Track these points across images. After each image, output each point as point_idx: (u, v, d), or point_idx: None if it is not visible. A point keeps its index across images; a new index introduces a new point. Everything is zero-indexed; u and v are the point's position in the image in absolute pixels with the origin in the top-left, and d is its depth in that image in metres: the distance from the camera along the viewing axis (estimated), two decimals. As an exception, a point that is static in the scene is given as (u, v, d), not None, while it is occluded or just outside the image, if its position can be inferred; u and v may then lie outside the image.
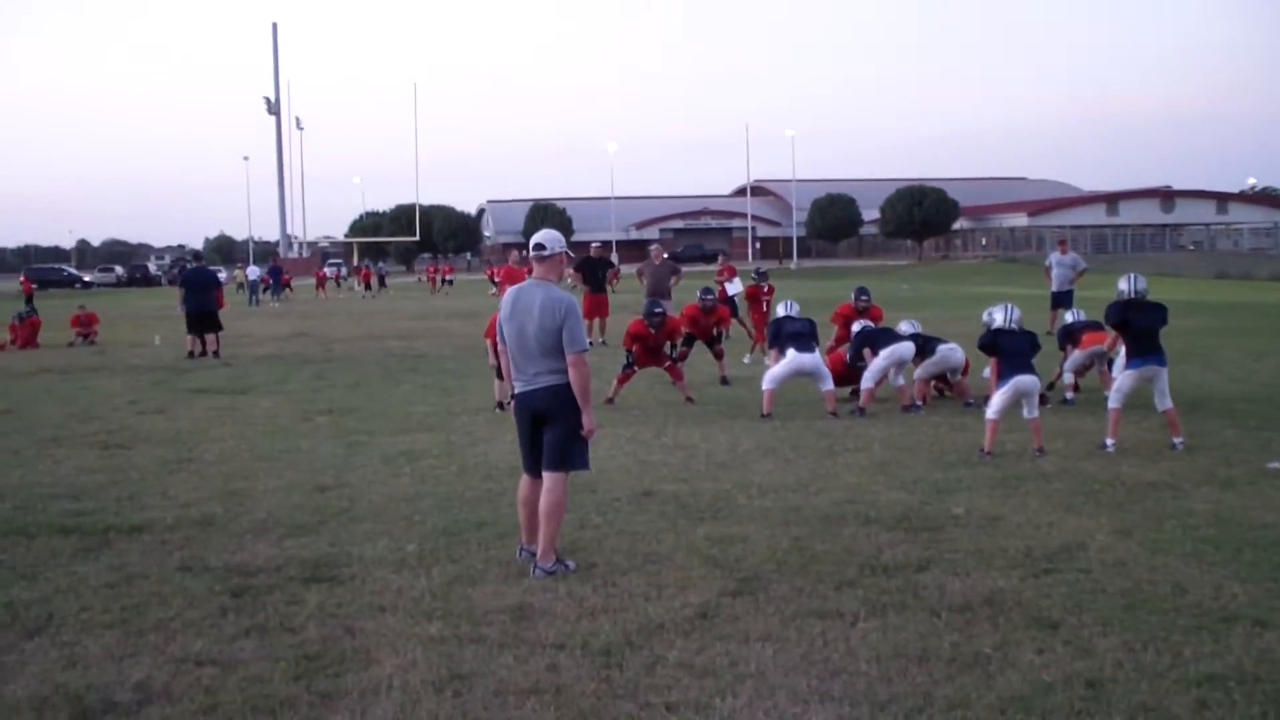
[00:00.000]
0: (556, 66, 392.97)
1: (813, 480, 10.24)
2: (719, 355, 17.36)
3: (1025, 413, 11.36)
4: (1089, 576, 7.21)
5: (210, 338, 23.89)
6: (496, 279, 44.17)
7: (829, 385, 14.07)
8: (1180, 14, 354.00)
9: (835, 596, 6.89)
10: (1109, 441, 11.36)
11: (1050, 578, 7.19)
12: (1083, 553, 7.75)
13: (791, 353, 14.00)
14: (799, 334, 14.21)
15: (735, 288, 26.56)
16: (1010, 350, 11.45)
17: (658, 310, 15.35)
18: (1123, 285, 11.68)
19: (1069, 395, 14.73)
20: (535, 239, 7.68)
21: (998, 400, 11.33)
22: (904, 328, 15.14)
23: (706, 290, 17.62)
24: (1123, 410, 11.51)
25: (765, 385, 14.08)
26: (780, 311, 15.02)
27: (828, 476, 10.40)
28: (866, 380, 14.26)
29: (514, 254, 28.76)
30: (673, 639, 6.19)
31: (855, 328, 15.48)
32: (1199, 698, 5.30)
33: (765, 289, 23.30)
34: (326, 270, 77.15)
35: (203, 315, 23.90)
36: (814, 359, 14.06)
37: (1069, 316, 15.98)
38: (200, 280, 24.56)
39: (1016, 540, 8.08)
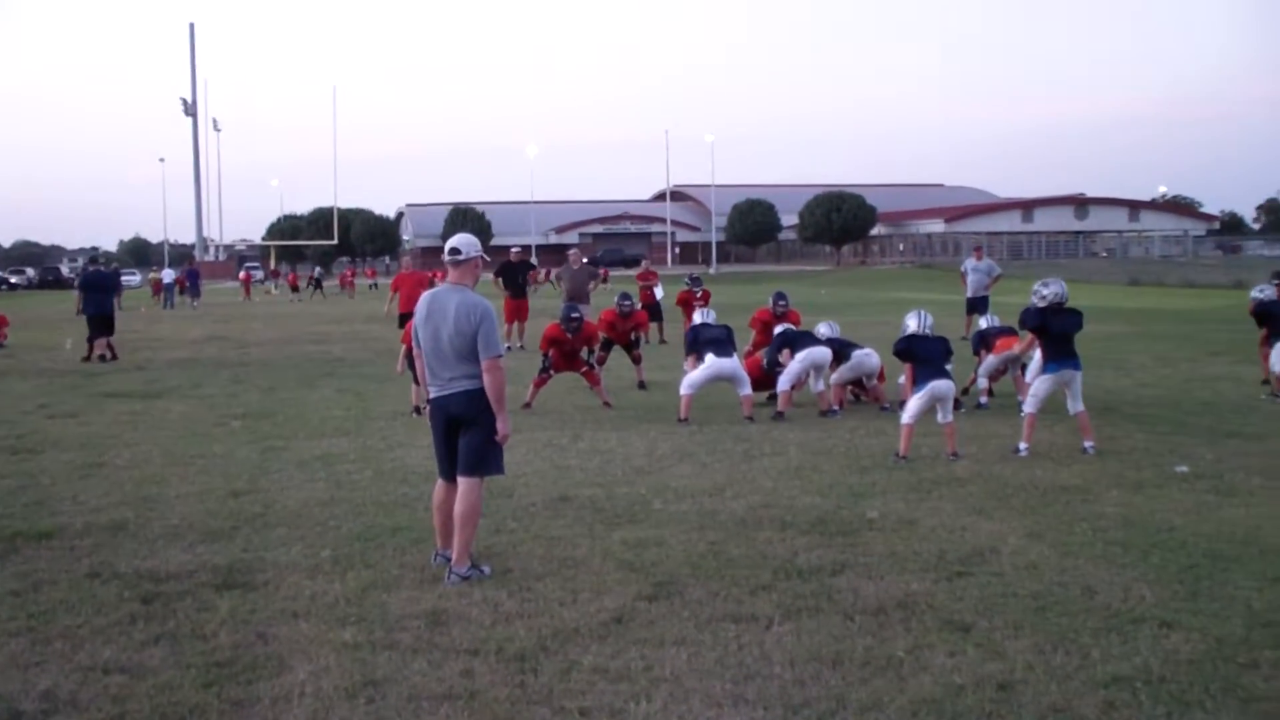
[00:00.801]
0: (476, 70, 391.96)
1: (729, 485, 10.27)
2: (637, 360, 17.40)
3: (940, 417, 11.48)
4: (1001, 579, 7.30)
5: (100, 341, 23.57)
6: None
7: (747, 390, 14.13)
8: (1098, 23, 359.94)
9: (750, 600, 6.92)
10: (1022, 446, 11.51)
11: (963, 581, 7.27)
12: (995, 556, 7.85)
13: (710, 358, 14.06)
14: (717, 340, 14.28)
15: (661, 292, 26.70)
16: (925, 356, 11.57)
17: (575, 315, 15.34)
18: (1052, 289, 11.73)
19: (983, 400, 14.91)
20: (450, 243, 7.63)
21: (913, 405, 11.43)
22: (822, 330, 15.24)
23: (624, 295, 17.64)
24: (1037, 415, 11.67)
25: (683, 390, 14.11)
26: (697, 319, 15.08)
27: (744, 481, 10.44)
28: (782, 384, 14.34)
29: (405, 259, 28.78)
30: (588, 644, 6.19)
31: (777, 330, 15.56)
32: (1107, 698, 5.39)
33: (698, 294, 23.37)
34: (253, 273, 76.21)
35: (102, 318, 23.70)
36: (732, 364, 14.13)
37: (983, 322, 16.15)
38: (99, 283, 24.52)
39: (930, 544, 8.16)
